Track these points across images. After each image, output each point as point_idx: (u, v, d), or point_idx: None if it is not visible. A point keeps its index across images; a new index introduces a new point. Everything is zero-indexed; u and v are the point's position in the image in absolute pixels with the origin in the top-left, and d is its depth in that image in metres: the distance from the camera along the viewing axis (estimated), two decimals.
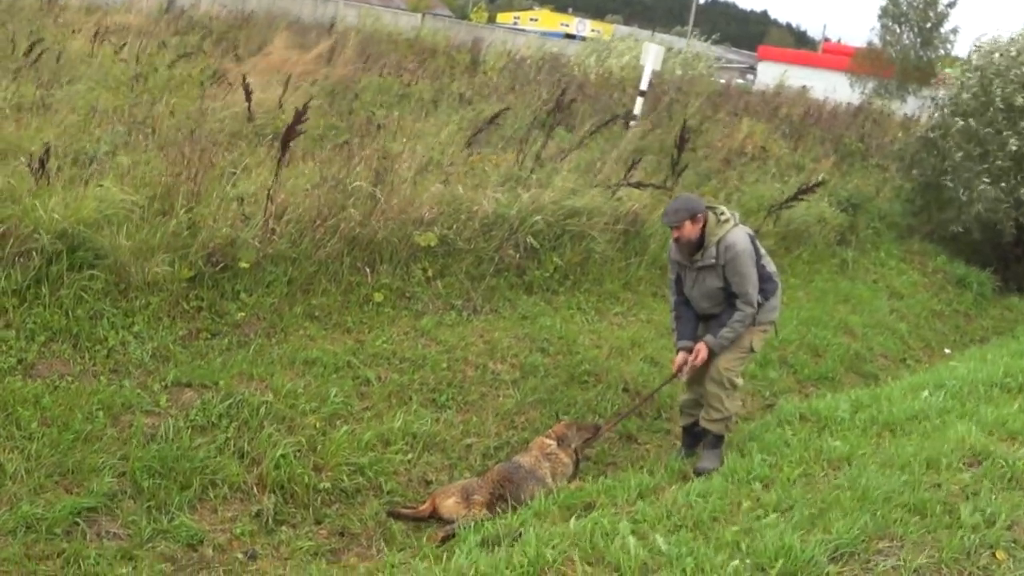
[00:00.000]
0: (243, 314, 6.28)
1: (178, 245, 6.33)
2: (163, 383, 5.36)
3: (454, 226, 7.53)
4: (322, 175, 7.38)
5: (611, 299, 8.16)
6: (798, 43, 78.57)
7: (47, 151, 6.23)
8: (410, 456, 5.48)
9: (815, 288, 9.96)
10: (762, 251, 5.47)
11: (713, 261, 5.30)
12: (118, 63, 11.29)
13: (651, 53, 13.59)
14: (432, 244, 7.31)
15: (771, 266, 5.53)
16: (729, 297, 5.37)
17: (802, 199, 9.29)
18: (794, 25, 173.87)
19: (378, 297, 6.89)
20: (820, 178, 11.08)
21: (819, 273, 10.47)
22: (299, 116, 6.57)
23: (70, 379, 5.16)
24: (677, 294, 5.68)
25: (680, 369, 5.55)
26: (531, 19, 73.02)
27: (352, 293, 6.86)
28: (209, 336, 6.05)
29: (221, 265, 6.36)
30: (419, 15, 31.17)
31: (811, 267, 10.54)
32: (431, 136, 10.13)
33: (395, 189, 7.42)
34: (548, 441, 5.46)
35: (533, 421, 6.12)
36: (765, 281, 5.42)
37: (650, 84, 13.71)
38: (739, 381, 5.57)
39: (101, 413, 4.95)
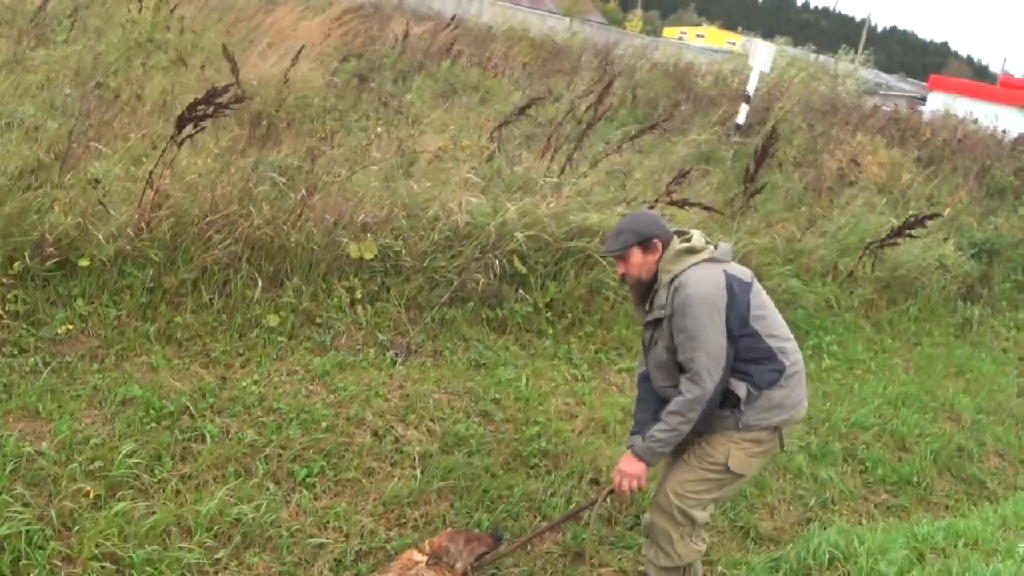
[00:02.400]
0: (69, 327, 4.93)
1: (9, 231, 5.08)
2: None
3: (403, 236, 6.00)
4: (229, 160, 5.98)
5: (617, 350, 6.41)
6: (977, 76, 74.13)
7: None
8: (220, 555, 3.94)
9: (919, 355, 7.86)
10: (757, 304, 3.66)
11: (662, 313, 3.59)
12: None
13: (759, 53, 11.80)
14: (368, 257, 5.79)
15: (775, 330, 3.70)
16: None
17: (911, 235, 7.34)
18: (975, 58, 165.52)
19: (272, 320, 5.41)
20: (945, 213, 8.95)
21: (928, 335, 8.33)
22: (214, 92, 5.19)
23: None
24: (643, 363, 4.01)
25: (621, 485, 3.81)
26: (698, 35, 71.52)
27: (238, 312, 5.40)
28: (13, 352, 4.72)
29: (54, 261, 5.04)
30: (568, 19, 31.17)
31: (918, 326, 8.42)
32: (452, 127, 8.69)
33: (325, 182, 5.95)
34: (417, 557, 3.82)
35: (434, 518, 4.47)
36: (756, 357, 3.62)
37: (757, 90, 11.94)
38: (700, 515, 3.75)
39: None
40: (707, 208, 6.96)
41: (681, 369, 3.58)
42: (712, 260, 3.61)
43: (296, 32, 11.51)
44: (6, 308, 4.89)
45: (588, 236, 6.61)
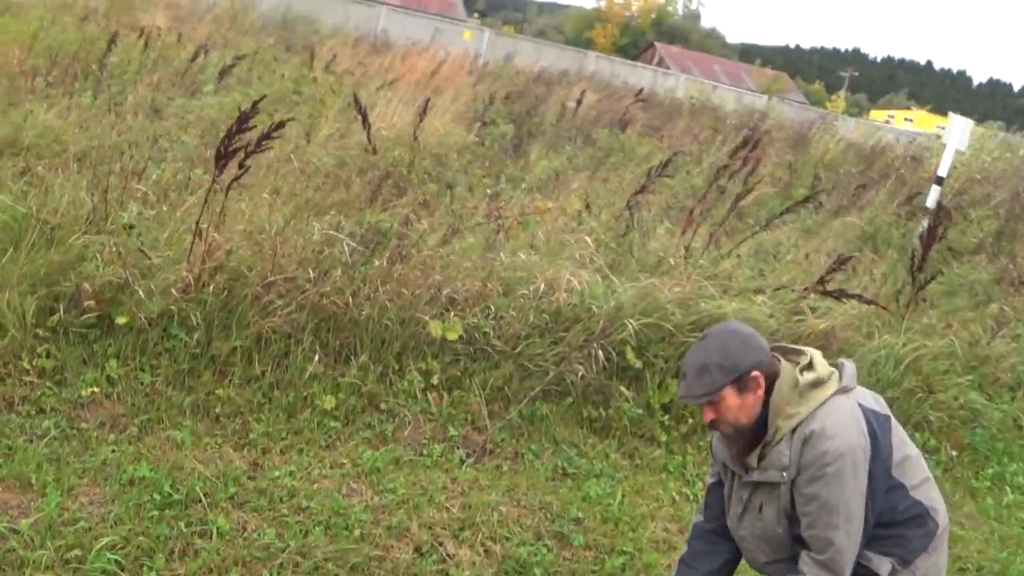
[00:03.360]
0: (94, 390, 4.45)
1: (51, 280, 4.72)
2: None
3: (496, 315, 5.28)
4: (298, 211, 5.48)
5: None
6: None
7: None
8: None
9: None
10: (897, 442, 2.71)
11: (781, 476, 2.65)
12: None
13: (955, 128, 10.55)
14: (451, 337, 5.10)
15: (919, 476, 2.74)
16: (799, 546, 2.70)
17: None
18: None
19: (328, 402, 4.77)
20: None
21: None
22: (244, 118, 4.73)
23: None
24: (703, 512, 3.12)
25: None
26: (906, 119, 69.43)
27: (291, 389, 4.80)
28: (30, 412, 4.27)
29: (89, 316, 4.62)
30: (766, 97, 31.16)
31: None
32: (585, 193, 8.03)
33: (413, 251, 5.33)
34: None
35: None
36: (902, 518, 2.68)
37: (952, 170, 10.73)
38: None
39: None
40: (868, 301, 5.90)
41: (801, 542, 2.65)
42: (842, 391, 2.68)
43: (450, 83, 11.32)
44: (33, 363, 4.47)
45: None
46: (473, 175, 7.88)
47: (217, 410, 4.58)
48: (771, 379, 2.67)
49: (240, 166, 4.89)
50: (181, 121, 8.17)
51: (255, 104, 4.80)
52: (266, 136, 4.99)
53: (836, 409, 2.60)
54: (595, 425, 5.27)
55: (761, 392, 2.66)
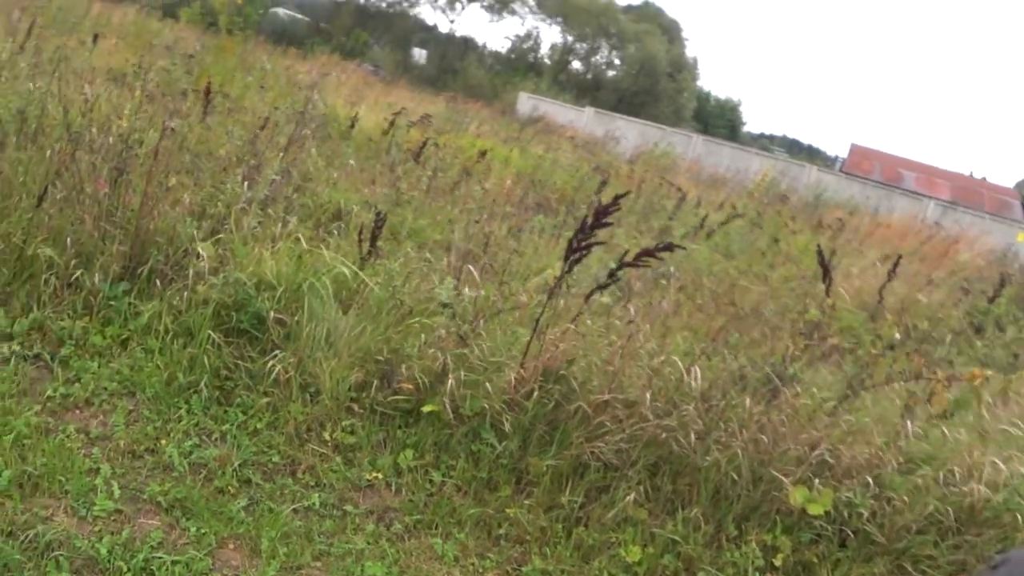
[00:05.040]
0: (377, 475, 4.15)
1: (378, 347, 4.62)
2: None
3: (881, 495, 4.07)
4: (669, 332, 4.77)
5: None
6: None
7: None
8: None
9: None
10: None
11: None
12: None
13: None
14: (814, 512, 4.01)
15: None
16: None
17: None
18: None
19: (632, 553, 3.91)
20: None
21: None
22: (601, 212, 4.26)
23: None
24: None
25: None
26: None
27: (596, 528, 4.05)
28: (308, 483, 4.07)
29: (401, 398, 4.37)
30: None
31: None
32: None
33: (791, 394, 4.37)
34: None
35: None
36: None
37: None
38: None
39: None
40: None
41: None
42: None
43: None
44: (333, 436, 4.30)
45: None
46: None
47: (500, 531, 3.99)
48: None
49: (614, 272, 4.41)
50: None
51: (617, 199, 4.31)
52: (660, 249, 4.47)
53: None
54: None
55: None
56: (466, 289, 4.74)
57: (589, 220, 4.18)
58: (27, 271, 4.77)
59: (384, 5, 50.10)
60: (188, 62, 9.95)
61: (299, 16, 45.64)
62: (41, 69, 7.24)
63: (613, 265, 4.56)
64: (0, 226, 4.89)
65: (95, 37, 9.69)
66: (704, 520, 4.09)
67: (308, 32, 41.69)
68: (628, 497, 4.08)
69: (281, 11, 43.43)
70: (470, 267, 5.05)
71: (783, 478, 4.10)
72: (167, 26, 18.52)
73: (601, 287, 4.46)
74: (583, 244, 4.21)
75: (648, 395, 4.36)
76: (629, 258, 4.46)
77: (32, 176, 5.23)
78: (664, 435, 4.27)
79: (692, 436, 4.24)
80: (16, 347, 4.32)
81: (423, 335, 4.53)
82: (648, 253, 4.26)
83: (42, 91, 6.26)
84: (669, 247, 4.27)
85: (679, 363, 4.62)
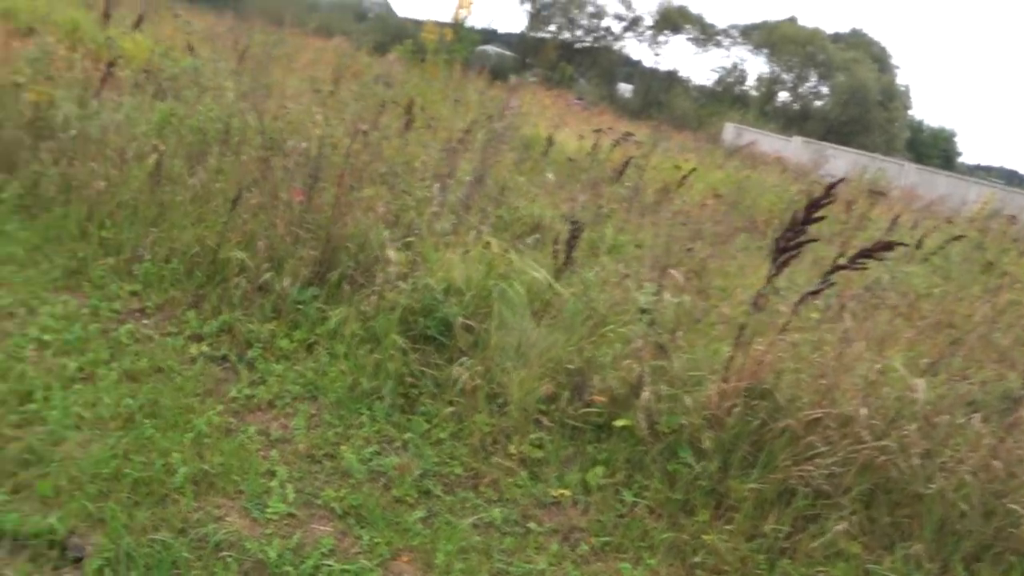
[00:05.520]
0: (565, 492, 3.89)
1: (567, 364, 4.38)
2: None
3: None
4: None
5: None
6: None
7: None
8: None
9: None
10: None
11: None
12: None
13: None
14: None
15: None
16: None
17: None
18: None
19: None
20: None
21: None
22: (812, 206, 3.86)
23: None
24: None
25: None
26: None
27: (801, 561, 3.64)
28: (491, 497, 3.87)
29: (592, 411, 4.12)
30: None
31: None
32: None
33: None
34: None
35: None
36: None
37: None
38: None
39: None
40: None
41: None
42: None
43: None
44: (520, 450, 4.09)
45: None
46: None
47: (695, 558, 3.65)
48: None
49: (827, 276, 4.02)
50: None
51: (829, 190, 3.91)
52: (867, 253, 4.05)
53: None
54: None
55: None
56: (666, 295, 4.42)
57: (800, 215, 3.80)
58: (219, 274, 4.84)
59: (591, 40, 50.44)
60: (390, 81, 10.12)
61: (507, 53, 46.55)
62: (246, 88, 7.48)
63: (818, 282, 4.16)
64: (197, 230, 4.99)
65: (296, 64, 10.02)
66: (927, 557, 3.61)
67: (515, 67, 42.47)
68: (839, 527, 3.65)
69: (490, 48, 44.44)
70: (672, 271, 4.74)
71: (1022, 511, 3.58)
72: (377, 60, 19.18)
73: (812, 292, 4.05)
74: (792, 243, 3.83)
75: (864, 412, 3.92)
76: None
77: (229, 183, 5.32)
78: (882, 458, 3.81)
79: (914, 459, 3.76)
80: (205, 348, 4.36)
81: (618, 345, 4.25)
82: (866, 254, 3.84)
83: (245, 107, 6.43)
84: (888, 246, 3.83)
85: (901, 372, 4.14)
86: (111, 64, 6.70)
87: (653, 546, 3.69)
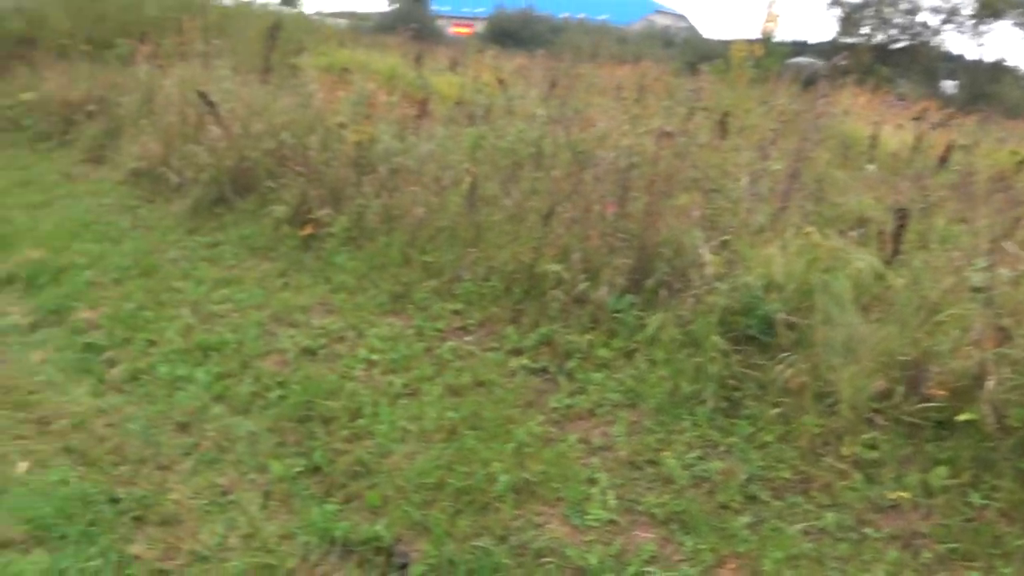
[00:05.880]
0: (903, 495, 3.64)
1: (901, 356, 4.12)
2: None
3: None
4: None
5: None
6: None
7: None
8: None
9: None
10: None
11: None
12: None
13: None
14: None
15: None
16: None
17: None
18: None
19: None
20: None
21: None
22: None
23: None
24: None
25: None
26: None
27: None
28: (822, 502, 3.70)
29: (932, 406, 3.83)
30: None
31: None
32: None
33: None
34: None
35: None
36: None
37: None
38: None
39: None
40: None
41: None
42: None
43: None
44: (851, 449, 3.88)
45: None
46: None
47: None
48: None
49: None
50: None
51: None
52: None
53: None
54: None
55: None
56: (1002, 270, 4.03)
57: None
58: (536, 288, 5.00)
59: (907, 38, 47.07)
60: (699, 94, 10.04)
61: (818, 61, 44.63)
62: (555, 112, 7.70)
63: None
64: (513, 248, 5.19)
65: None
66: None
67: (828, 74, 40.63)
68: None
69: (802, 59, 42.72)
70: (1005, 244, 4.31)
71: None
72: (687, 79, 19.09)
73: None
74: None
75: None
76: None
77: (541, 200, 5.50)
78: None
79: None
80: (525, 361, 4.52)
81: (955, 332, 3.92)
82: None
83: (555, 128, 6.63)
84: None
85: None
86: (424, 101, 7.16)
87: (1007, 553, 3.35)
